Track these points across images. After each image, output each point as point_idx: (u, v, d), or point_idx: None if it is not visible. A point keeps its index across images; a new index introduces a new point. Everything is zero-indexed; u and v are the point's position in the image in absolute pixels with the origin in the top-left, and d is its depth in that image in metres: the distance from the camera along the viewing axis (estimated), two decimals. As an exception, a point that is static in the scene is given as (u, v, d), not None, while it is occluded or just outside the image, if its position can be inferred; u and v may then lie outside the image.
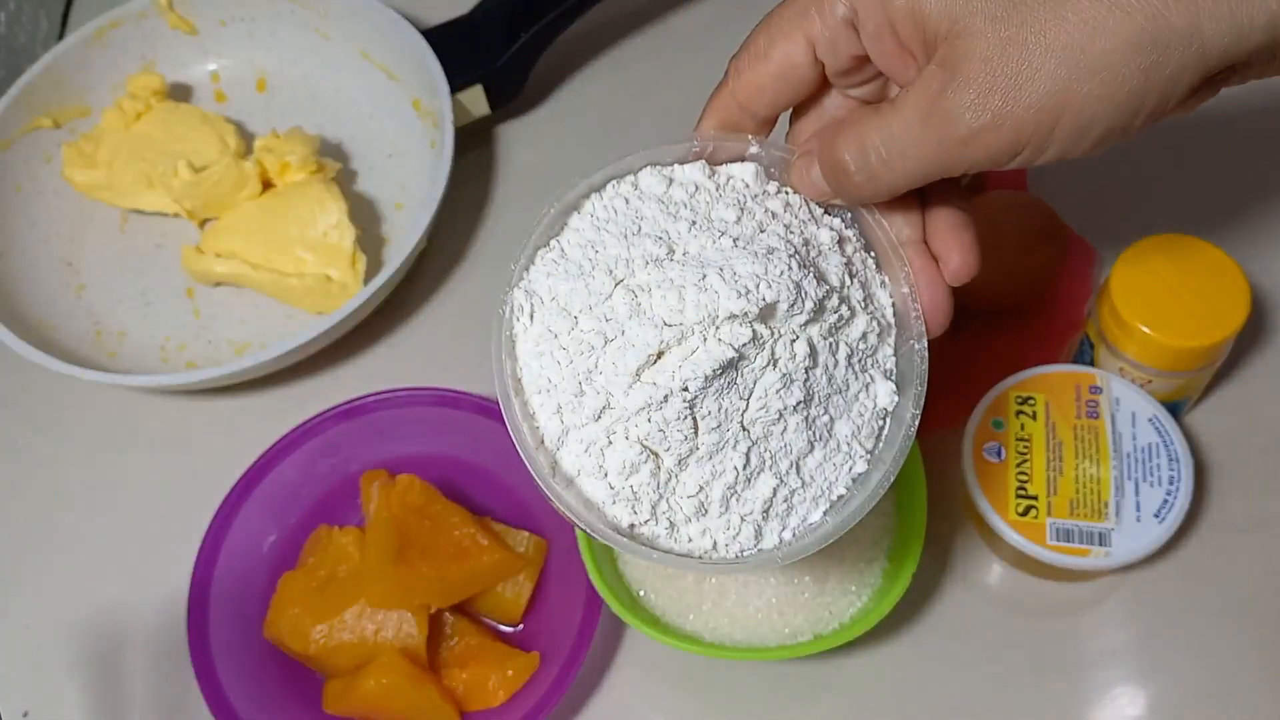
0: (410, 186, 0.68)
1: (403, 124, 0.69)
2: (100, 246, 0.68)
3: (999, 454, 0.50)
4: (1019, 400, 0.52)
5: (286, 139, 0.65)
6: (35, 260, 0.66)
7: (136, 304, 0.65)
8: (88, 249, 0.67)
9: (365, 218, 0.67)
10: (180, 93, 0.72)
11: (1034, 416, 0.51)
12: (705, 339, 0.35)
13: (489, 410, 0.55)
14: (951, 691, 0.51)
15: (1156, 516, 0.49)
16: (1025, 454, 0.50)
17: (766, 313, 0.35)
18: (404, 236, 0.61)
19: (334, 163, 0.66)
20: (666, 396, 0.35)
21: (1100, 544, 0.48)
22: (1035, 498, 0.49)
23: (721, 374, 0.35)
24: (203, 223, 0.67)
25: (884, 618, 0.47)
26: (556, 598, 0.52)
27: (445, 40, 0.67)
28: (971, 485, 0.50)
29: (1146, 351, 0.50)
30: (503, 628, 0.53)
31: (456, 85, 0.65)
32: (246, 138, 0.69)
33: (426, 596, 0.50)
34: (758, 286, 0.34)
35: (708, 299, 0.34)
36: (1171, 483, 0.49)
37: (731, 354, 0.35)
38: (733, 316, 0.34)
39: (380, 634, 0.49)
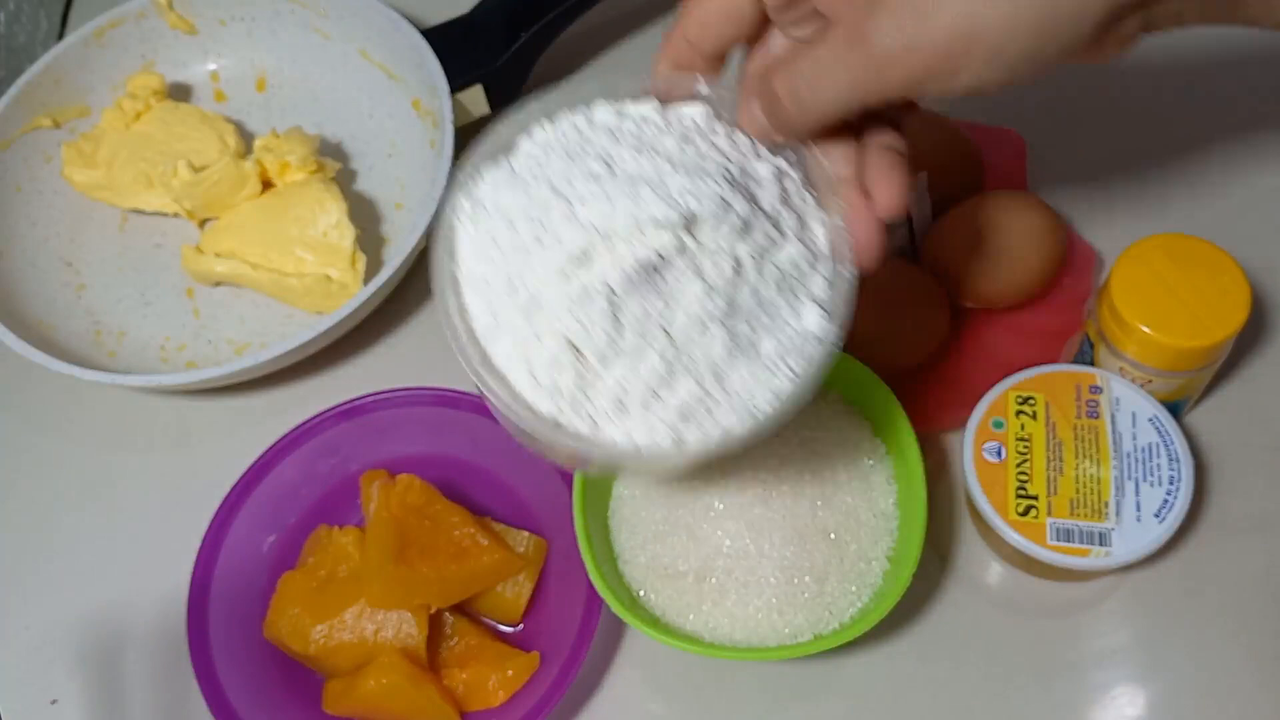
0: (410, 186, 0.68)
1: (403, 124, 0.69)
2: (100, 246, 0.68)
3: (999, 454, 0.51)
4: (1019, 400, 0.52)
5: (286, 139, 0.65)
6: (35, 260, 0.66)
7: (136, 304, 0.65)
8: (88, 249, 0.67)
9: (365, 218, 0.67)
10: (180, 92, 0.72)
11: (1034, 416, 0.51)
12: (631, 242, 0.36)
13: (488, 410, 0.55)
14: (951, 691, 0.51)
15: (1156, 516, 0.49)
16: (1025, 454, 0.50)
17: (692, 222, 0.36)
18: (404, 236, 0.61)
19: (334, 162, 0.66)
20: (591, 294, 0.36)
21: (1100, 544, 0.48)
22: (1035, 498, 0.49)
23: (646, 277, 0.36)
24: (202, 222, 0.67)
25: (884, 618, 0.47)
26: (556, 598, 0.52)
27: (445, 40, 0.67)
28: (971, 485, 0.50)
29: (1146, 351, 0.50)
30: (503, 628, 0.53)
31: (456, 85, 0.65)
32: (246, 137, 0.69)
33: (426, 596, 0.50)
34: (683, 197, 0.36)
35: (636, 206, 0.36)
36: (1171, 483, 0.49)
37: (654, 256, 0.36)
38: (657, 222, 0.36)
39: (380, 634, 0.50)
